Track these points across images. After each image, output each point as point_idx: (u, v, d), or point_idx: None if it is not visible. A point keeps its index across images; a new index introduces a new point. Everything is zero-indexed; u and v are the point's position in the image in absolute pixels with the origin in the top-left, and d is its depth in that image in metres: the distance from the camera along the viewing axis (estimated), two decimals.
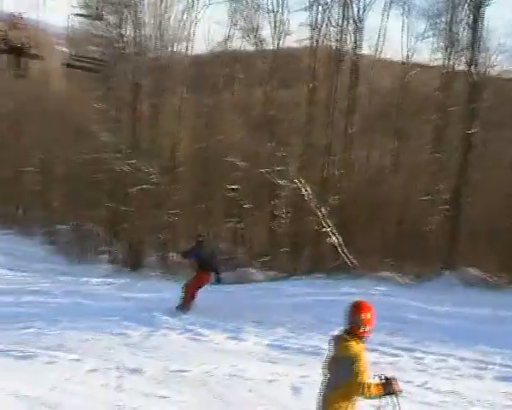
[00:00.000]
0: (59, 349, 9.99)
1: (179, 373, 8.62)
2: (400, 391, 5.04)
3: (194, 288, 13.53)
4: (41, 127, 37.39)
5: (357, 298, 5.49)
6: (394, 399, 5.06)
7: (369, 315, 5.06)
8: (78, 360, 9.33)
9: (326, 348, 9.57)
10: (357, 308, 5.08)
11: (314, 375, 8.28)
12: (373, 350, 9.84)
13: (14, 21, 13.44)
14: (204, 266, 13.59)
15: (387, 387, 4.98)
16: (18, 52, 13.75)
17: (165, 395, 7.71)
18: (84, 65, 14.98)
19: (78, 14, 14.16)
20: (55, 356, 9.55)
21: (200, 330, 11.23)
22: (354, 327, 5.02)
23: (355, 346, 4.95)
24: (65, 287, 18.99)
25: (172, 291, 18.69)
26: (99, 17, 14.22)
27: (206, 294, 18.24)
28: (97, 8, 14.08)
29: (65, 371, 8.67)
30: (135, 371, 8.72)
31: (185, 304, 13.30)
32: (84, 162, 32.06)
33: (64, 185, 36.64)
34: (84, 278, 22.61)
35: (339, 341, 5.07)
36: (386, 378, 5.02)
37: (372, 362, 9.12)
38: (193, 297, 13.40)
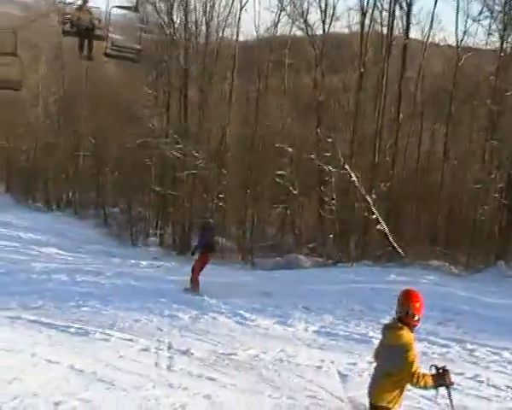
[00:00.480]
0: (112, 328, 10.31)
1: (228, 356, 8.75)
2: (453, 383, 5.04)
3: (198, 270, 14.57)
4: (94, 112, 38.37)
5: (405, 287, 5.45)
6: (447, 391, 5.04)
7: (418, 304, 5.07)
8: (130, 339, 9.60)
9: (374, 335, 9.60)
10: (406, 297, 5.10)
11: (362, 363, 8.31)
12: (422, 340, 9.72)
13: (80, 4, 13.79)
14: (207, 248, 14.82)
15: (440, 378, 4.97)
16: (86, 34, 14.17)
17: (214, 377, 7.83)
18: (121, 54, 15.19)
19: (117, 6, 14.36)
20: (108, 334, 9.86)
21: (248, 314, 11.33)
22: (404, 316, 5.03)
23: (406, 335, 4.97)
24: (116, 268, 19.52)
25: (220, 275, 19.01)
26: (136, 9, 14.40)
27: (254, 277, 18.48)
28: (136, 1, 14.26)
29: (118, 350, 8.95)
30: (184, 352, 8.90)
31: (193, 287, 14.24)
32: (135, 147, 32.75)
33: (115, 169, 37.54)
34: (134, 260, 23.18)
35: (390, 329, 5.11)
36: (443, 369, 5.00)
37: (421, 352, 9.05)
38: (197, 279, 14.36)
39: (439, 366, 5.06)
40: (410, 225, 25.29)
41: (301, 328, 10.55)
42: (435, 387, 4.97)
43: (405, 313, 5.02)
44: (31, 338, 9.66)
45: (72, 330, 10.21)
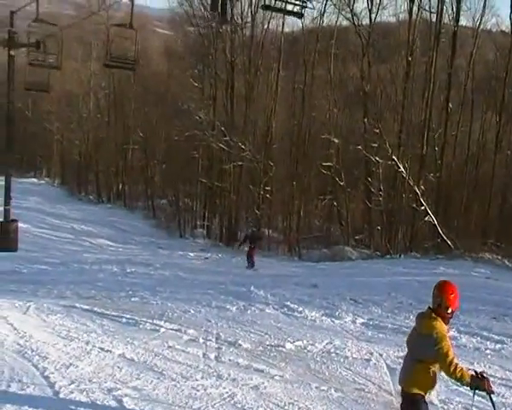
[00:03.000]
0: (161, 318, 10.50)
1: (275, 348, 8.77)
2: (493, 392, 4.94)
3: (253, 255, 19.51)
4: (142, 107, 39.09)
5: (455, 280, 5.35)
6: (490, 398, 4.97)
7: (452, 296, 5.00)
8: (178, 329, 9.75)
9: None
10: (440, 289, 5.05)
11: None
12: (474, 335, 9.51)
13: None
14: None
15: (478, 381, 4.87)
16: None
17: (262, 368, 7.86)
18: (118, 64, 15.25)
19: (115, 25, 14.52)
20: (157, 325, 10.05)
21: (295, 306, 11.33)
22: (437, 307, 5.01)
23: (439, 326, 4.95)
24: (165, 260, 19.92)
25: (267, 266, 19.12)
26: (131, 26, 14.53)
27: (301, 268, 18.47)
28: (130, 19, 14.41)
29: (167, 340, 9.10)
30: (232, 343, 8.98)
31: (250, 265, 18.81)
32: (182, 140, 33.19)
33: (163, 162, 38.18)
34: (182, 252, 23.59)
35: (423, 318, 5.08)
36: (482, 375, 4.92)
37: (473, 348, 8.87)
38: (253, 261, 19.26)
39: (479, 371, 4.98)
40: (461, 217, 24.70)
41: (349, 320, 10.47)
42: (471, 386, 4.89)
43: (438, 305, 4.99)
44: (85, 326, 9.99)
45: (123, 319, 10.48)
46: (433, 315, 5.00)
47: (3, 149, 24.32)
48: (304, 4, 12.78)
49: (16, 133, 29.03)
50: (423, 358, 4.97)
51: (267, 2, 12.81)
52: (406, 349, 5.28)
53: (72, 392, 6.84)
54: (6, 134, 24.83)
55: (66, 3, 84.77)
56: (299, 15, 13.56)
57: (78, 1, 51.62)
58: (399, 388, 5.44)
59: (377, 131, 24.65)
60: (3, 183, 23.76)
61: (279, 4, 12.66)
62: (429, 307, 5.08)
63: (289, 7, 12.99)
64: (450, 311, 5.00)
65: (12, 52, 23.00)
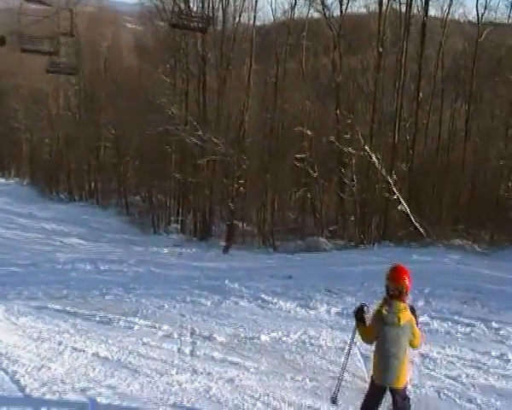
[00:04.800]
0: (135, 315, 10.42)
1: (250, 340, 8.77)
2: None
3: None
4: (113, 103, 38.61)
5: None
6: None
7: (407, 281, 5.24)
8: (153, 326, 9.68)
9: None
10: (398, 277, 5.25)
11: None
12: (446, 320, 9.65)
13: None
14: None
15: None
16: None
17: (237, 361, 7.86)
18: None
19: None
20: (132, 322, 9.96)
21: (269, 298, 11.33)
22: (398, 294, 5.20)
23: (407, 310, 5.23)
24: (138, 256, 19.75)
25: (242, 259, 19.09)
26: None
27: (275, 260, 18.49)
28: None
29: (142, 337, 9.03)
30: (207, 337, 8.95)
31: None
32: (154, 135, 32.91)
33: (136, 158, 37.84)
34: (156, 248, 23.42)
35: (400, 311, 5.19)
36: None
37: (445, 332, 9.00)
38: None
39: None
40: (432, 205, 25.03)
41: (323, 310, 10.51)
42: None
43: (400, 292, 5.19)
44: (57, 327, 9.84)
45: (96, 318, 10.36)
46: (403, 303, 5.18)
47: None
48: (207, 22, 13.88)
49: None
50: (406, 345, 5.24)
51: (173, 22, 13.75)
52: (382, 352, 5.25)
53: (43, 394, 6.75)
54: None
55: None
56: (203, 31, 14.67)
57: None
58: (371, 374, 5.51)
59: (349, 122, 24.79)
60: None
61: (184, 23, 13.57)
62: (391, 296, 5.20)
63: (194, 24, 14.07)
64: (407, 293, 5.26)
65: None
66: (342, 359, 7.76)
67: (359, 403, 5.70)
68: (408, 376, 5.33)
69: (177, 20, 14.74)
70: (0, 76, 48.88)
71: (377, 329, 5.21)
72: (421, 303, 10.63)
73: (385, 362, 5.21)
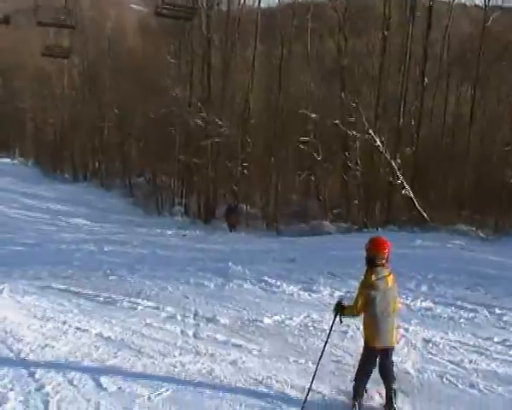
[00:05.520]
0: (139, 296, 10.47)
1: (253, 323, 8.81)
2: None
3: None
4: (117, 83, 38.45)
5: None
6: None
7: (388, 249, 5.86)
8: (156, 307, 9.73)
9: (400, 300, 9.57)
10: (384, 244, 5.87)
11: None
12: (449, 305, 9.67)
13: None
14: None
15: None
16: None
17: (240, 343, 7.90)
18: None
19: None
20: (135, 303, 10.02)
21: (273, 280, 11.35)
22: (383, 261, 5.78)
23: (391, 274, 5.86)
24: (142, 237, 19.78)
25: (245, 242, 19.10)
26: None
27: (279, 243, 18.51)
28: None
29: (145, 317, 9.08)
30: (210, 319, 8.99)
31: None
32: (159, 117, 32.80)
33: (140, 139, 37.75)
34: (160, 230, 23.45)
35: (387, 276, 5.79)
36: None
37: (448, 317, 9.02)
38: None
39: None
40: (436, 190, 24.95)
41: (327, 294, 10.53)
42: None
43: (383, 259, 5.79)
44: (61, 307, 9.92)
45: (100, 298, 10.42)
46: (388, 269, 5.81)
47: None
48: (193, 12, 14.14)
49: None
50: (395, 307, 5.85)
51: (158, 11, 13.89)
52: (379, 315, 5.73)
53: (47, 372, 6.82)
54: None
55: None
56: (189, 19, 14.98)
57: None
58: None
59: (354, 105, 24.62)
60: None
61: (169, 12, 13.77)
62: (376, 265, 5.75)
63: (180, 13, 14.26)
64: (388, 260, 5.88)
65: None
66: (344, 342, 7.86)
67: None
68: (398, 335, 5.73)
69: (161, 9, 14.75)
70: (4, 55, 48.60)
71: (368, 297, 5.66)
72: (424, 288, 10.65)
73: (382, 324, 5.73)
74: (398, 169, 22.28)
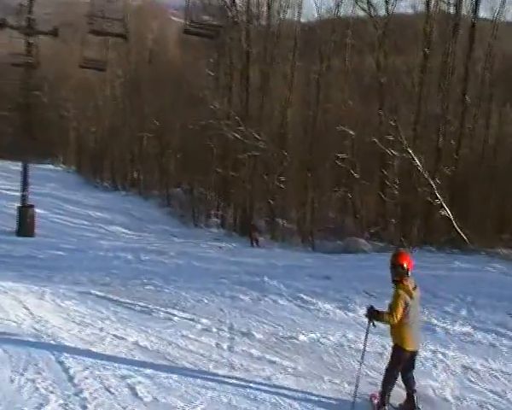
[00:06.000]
0: (174, 307, 10.57)
1: (288, 339, 8.77)
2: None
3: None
4: (157, 95, 39.16)
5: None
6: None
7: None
8: (192, 318, 9.80)
9: (438, 323, 9.42)
10: (410, 258, 6.29)
11: (425, 351, 8.11)
12: (490, 331, 9.38)
13: None
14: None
15: None
16: None
17: (275, 359, 7.85)
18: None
19: None
20: (171, 313, 10.12)
21: (308, 297, 11.28)
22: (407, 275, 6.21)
23: None
24: (179, 248, 19.99)
25: (281, 257, 19.07)
26: None
27: (314, 260, 18.41)
28: None
29: (180, 329, 9.16)
30: (245, 333, 9.00)
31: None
32: (197, 129, 33.21)
33: (178, 150, 38.27)
34: (196, 241, 23.67)
35: (416, 287, 6.26)
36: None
37: (489, 344, 8.77)
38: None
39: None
40: (477, 212, 24.42)
41: (362, 313, 10.35)
42: None
43: (406, 273, 6.18)
44: (99, 313, 10.12)
45: (137, 307, 10.57)
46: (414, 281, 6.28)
47: (21, 136, 24.54)
48: (217, 31, 14.73)
49: (33, 120, 29.35)
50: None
51: (187, 28, 14.45)
52: (411, 321, 6.15)
53: (86, 378, 6.95)
54: (24, 120, 25.08)
55: None
56: (215, 37, 15.51)
57: None
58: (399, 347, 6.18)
59: (393, 123, 24.43)
60: (21, 169, 24.02)
61: (196, 30, 14.39)
62: (401, 281, 6.14)
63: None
64: None
65: (31, 40, 23.13)
66: (380, 364, 7.74)
67: None
68: None
69: (189, 27, 15.22)
70: (51, 65, 50.12)
71: (405, 305, 6.08)
72: (463, 312, 10.41)
73: (416, 330, 6.30)
74: (437, 189, 21.95)
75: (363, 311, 10.42)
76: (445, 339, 8.86)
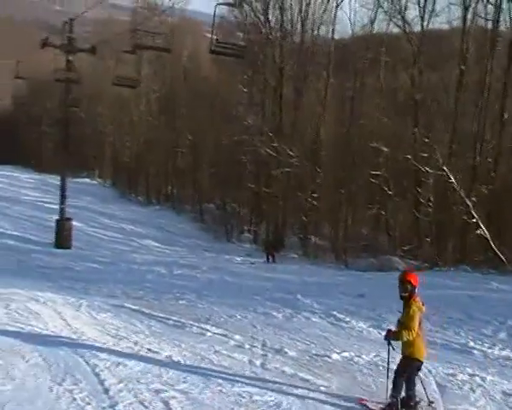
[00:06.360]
0: (207, 322, 10.64)
1: (321, 357, 8.70)
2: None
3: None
4: (192, 110, 39.69)
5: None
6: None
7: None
8: (225, 334, 9.83)
9: (475, 346, 9.21)
10: (415, 280, 6.70)
11: (462, 374, 7.95)
12: None
13: None
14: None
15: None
16: None
17: (308, 378, 7.78)
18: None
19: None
20: (204, 328, 10.17)
21: (342, 315, 11.22)
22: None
23: None
24: (211, 263, 20.10)
25: (313, 274, 18.98)
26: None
27: (347, 277, 18.27)
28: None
29: (214, 344, 9.19)
30: (278, 351, 8.96)
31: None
32: (230, 144, 33.48)
33: (212, 166, 38.60)
34: (229, 256, 23.76)
35: (423, 303, 6.69)
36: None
37: None
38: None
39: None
40: None
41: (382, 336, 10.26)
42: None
43: (412, 291, 6.63)
44: (133, 326, 10.25)
45: (170, 322, 10.66)
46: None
47: (60, 150, 25.17)
48: (243, 51, 15.00)
49: (71, 135, 30.12)
50: None
51: (213, 48, 14.75)
52: (420, 334, 6.64)
53: (120, 391, 7.00)
54: (62, 136, 25.74)
55: (120, 9, 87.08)
56: (240, 57, 15.77)
57: (131, 6, 52.92)
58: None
59: (427, 140, 24.16)
60: (59, 182, 24.62)
61: (222, 50, 14.71)
62: (410, 296, 6.59)
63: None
64: None
65: (70, 57, 23.84)
66: (416, 386, 7.60)
67: None
68: None
69: (215, 47, 15.52)
70: (88, 82, 51.41)
71: (419, 321, 6.59)
72: (502, 335, 10.14)
73: (424, 342, 6.80)
74: (473, 207, 21.57)
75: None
76: (484, 362, 8.65)
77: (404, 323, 6.55)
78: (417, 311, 6.55)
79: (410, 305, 6.56)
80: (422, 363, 6.82)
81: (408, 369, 6.72)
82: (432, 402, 6.87)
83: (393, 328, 6.92)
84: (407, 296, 6.63)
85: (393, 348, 6.71)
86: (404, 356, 6.76)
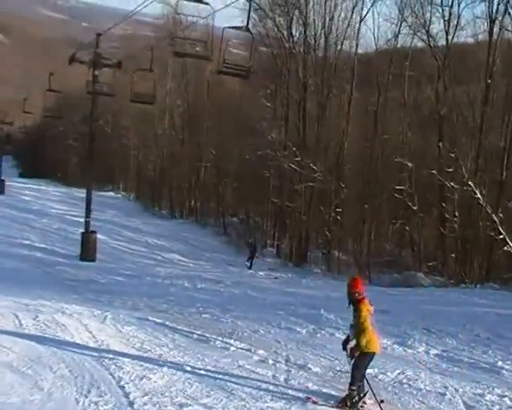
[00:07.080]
0: (231, 337, 10.64)
1: (345, 374, 8.55)
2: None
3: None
4: (215, 125, 39.96)
5: (352, 276, 8.76)
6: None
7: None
8: (248, 349, 9.83)
9: (504, 366, 9.04)
10: (362, 285, 7.50)
11: (490, 395, 7.80)
12: None
13: None
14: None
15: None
16: None
17: (332, 394, 7.72)
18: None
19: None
20: (228, 343, 10.18)
21: None
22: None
23: None
24: (235, 277, 20.14)
25: (337, 289, 18.83)
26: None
27: (370, 293, 18.07)
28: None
29: (237, 359, 9.19)
30: (302, 366, 8.93)
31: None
32: (254, 159, 33.60)
33: (235, 180, 38.72)
34: (252, 271, 23.76)
35: (371, 303, 7.44)
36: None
37: None
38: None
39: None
40: None
41: (422, 350, 10.13)
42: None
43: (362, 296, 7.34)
44: (157, 340, 10.31)
45: (194, 336, 10.70)
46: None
47: (85, 164, 25.53)
48: (248, 71, 15.55)
49: (97, 148, 30.59)
50: None
51: (220, 69, 15.26)
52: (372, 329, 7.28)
53: (145, 404, 7.05)
54: (88, 149, 26.17)
55: (144, 25, 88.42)
56: (246, 77, 15.96)
57: (155, 22, 53.69)
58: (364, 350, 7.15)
59: (453, 155, 23.95)
60: (85, 196, 24.99)
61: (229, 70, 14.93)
62: (359, 301, 7.26)
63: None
64: None
65: (96, 72, 24.28)
66: (442, 405, 7.49)
67: None
68: None
69: (223, 68, 15.97)
70: (115, 97, 52.17)
71: (368, 320, 7.26)
72: None
73: (375, 335, 7.38)
74: (501, 224, 21.26)
75: (422, 348, 10.21)
76: None
77: (358, 327, 7.21)
78: (367, 312, 7.25)
79: (361, 309, 7.24)
80: (375, 354, 7.46)
81: (365, 361, 7.39)
82: (382, 401, 7.34)
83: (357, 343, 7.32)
84: (357, 301, 7.31)
85: (349, 363, 7.48)
86: (359, 353, 7.32)
